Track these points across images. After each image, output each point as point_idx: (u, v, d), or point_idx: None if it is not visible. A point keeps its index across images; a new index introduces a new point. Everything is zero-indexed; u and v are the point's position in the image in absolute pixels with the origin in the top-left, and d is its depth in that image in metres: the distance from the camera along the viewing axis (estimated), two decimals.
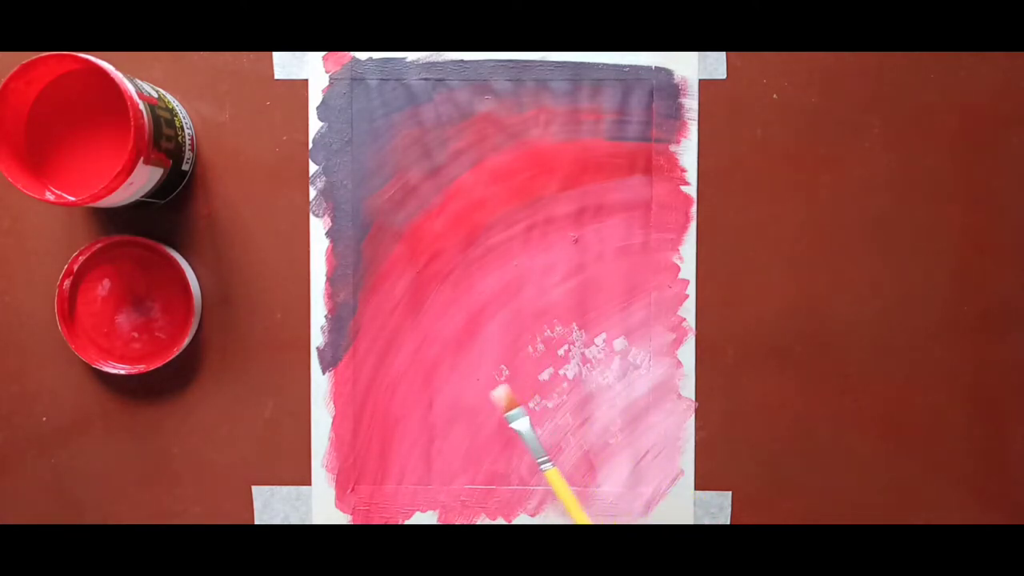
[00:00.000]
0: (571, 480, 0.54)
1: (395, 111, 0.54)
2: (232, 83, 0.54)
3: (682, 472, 0.54)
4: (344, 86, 0.53)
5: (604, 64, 0.53)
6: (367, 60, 0.53)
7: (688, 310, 0.54)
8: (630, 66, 0.53)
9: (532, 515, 0.54)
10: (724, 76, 0.53)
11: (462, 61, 0.53)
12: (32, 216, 0.54)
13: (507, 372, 0.54)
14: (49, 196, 0.48)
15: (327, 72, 0.53)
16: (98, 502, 0.54)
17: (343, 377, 0.54)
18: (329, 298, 0.54)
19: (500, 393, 0.53)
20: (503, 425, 0.54)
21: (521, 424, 0.53)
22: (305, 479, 0.54)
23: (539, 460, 0.52)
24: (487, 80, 0.53)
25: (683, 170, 0.54)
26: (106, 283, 0.53)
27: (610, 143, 0.54)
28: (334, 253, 0.54)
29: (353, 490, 0.54)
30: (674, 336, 0.54)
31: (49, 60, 0.47)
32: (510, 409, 0.53)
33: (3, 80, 0.47)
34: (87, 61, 0.46)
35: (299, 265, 0.54)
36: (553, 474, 0.52)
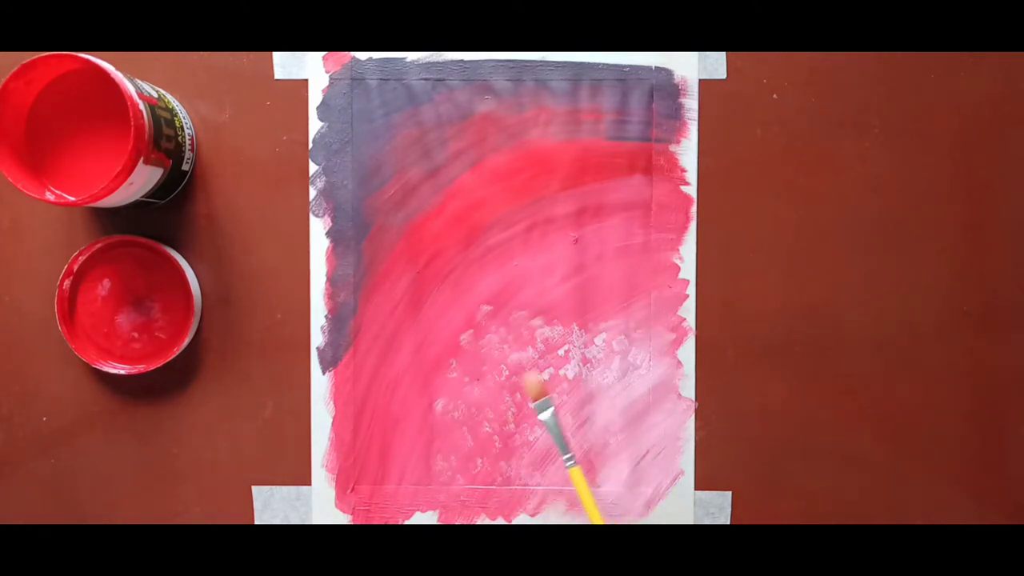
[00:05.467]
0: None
1: (395, 111, 0.54)
2: (232, 83, 0.54)
3: (682, 472, 0.54)
4: (344, 86, 0.53)
5: (604, 64, 0.53)
6: (367, 60, 0.53)
7: (688, 310, 0.54)
8: (630, 66, 0.53)
9: (532, 515, 0.54)
10: (724, 76, 0.53)
11: (462, 61, 0.53)
12: (32, 216, 0.54)
13: (507, 372, 0.54)
14: (49, 196, 0.48)
15: (327, 72, 0.53)
16: (98, 502, 0.54)
17: (343, 377, 0.54)
18: (329, 298, 0.54)
19: (531, 379, 0.52)
20: (503, 425, 0.54)
21: (547, 415, 0.52)
22: (305, 479, 0.54)
23: (564, 457, 0.51)
24: (487, 80, 0.53)
25: (683, 170, 0.54)
26: (106, 283, 0.53)
27: (610, 143, 0.54)
28: (334, 253, 0.54)
29: (353, 490, 0.54)
30: (674, 336, 0.54)
31: (49, 60, 0.47)
32: (538, 398, 0.52)
33: (3, 80, 0.47)
34: (87, 61, 0.46)
35: (299, 265, 0.54)
36: (576, 473, 0.51)
